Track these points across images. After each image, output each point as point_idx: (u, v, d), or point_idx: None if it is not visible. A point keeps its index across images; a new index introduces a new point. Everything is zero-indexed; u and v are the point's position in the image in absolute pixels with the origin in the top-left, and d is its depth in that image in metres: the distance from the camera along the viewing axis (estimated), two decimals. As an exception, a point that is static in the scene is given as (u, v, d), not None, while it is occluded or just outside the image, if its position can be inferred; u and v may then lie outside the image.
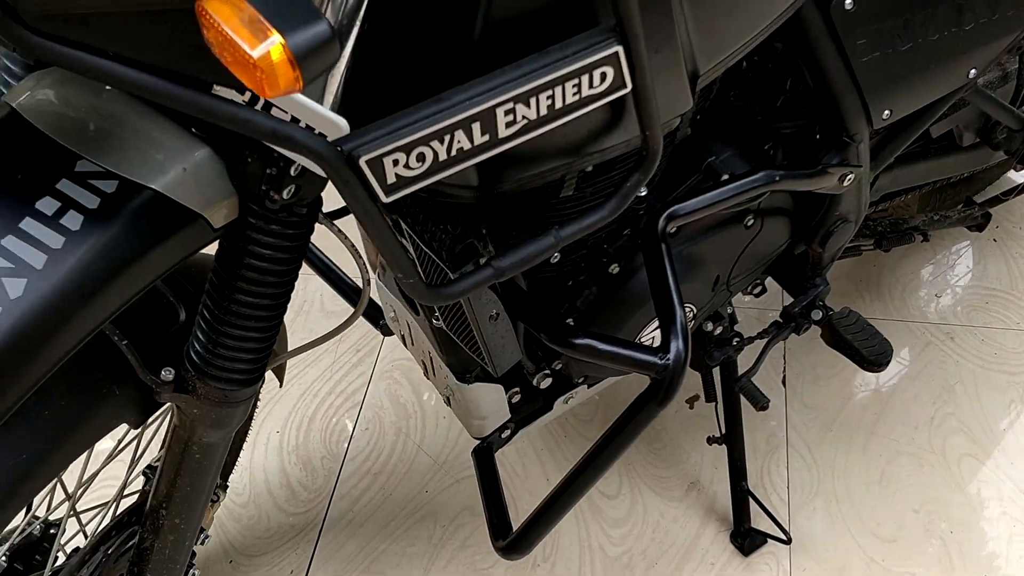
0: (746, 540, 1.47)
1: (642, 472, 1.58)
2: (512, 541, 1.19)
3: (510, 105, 0.75)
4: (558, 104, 0.77)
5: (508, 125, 0.76)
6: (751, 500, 1.47)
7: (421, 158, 0.73)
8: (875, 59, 1.12)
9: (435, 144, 0.73)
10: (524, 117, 0.76)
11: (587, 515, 1.54)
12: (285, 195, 0.80)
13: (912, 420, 1.62)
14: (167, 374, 0.89)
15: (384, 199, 0.73)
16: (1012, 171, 1.72)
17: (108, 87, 0.79)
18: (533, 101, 0.76)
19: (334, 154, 0.69)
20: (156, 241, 0.76)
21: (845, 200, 1.27)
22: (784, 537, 1.45)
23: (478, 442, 1.31)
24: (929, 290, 1.80)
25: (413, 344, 1.35)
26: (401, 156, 0.72)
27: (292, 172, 0.79)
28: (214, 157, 0.79)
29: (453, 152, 0.75)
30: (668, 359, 0.96)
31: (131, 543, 1.13)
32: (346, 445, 1.65)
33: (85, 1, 0.63)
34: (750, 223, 1.21)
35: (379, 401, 1.70)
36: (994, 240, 1.87)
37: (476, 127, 0.74)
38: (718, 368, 1.43)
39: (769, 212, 1.23)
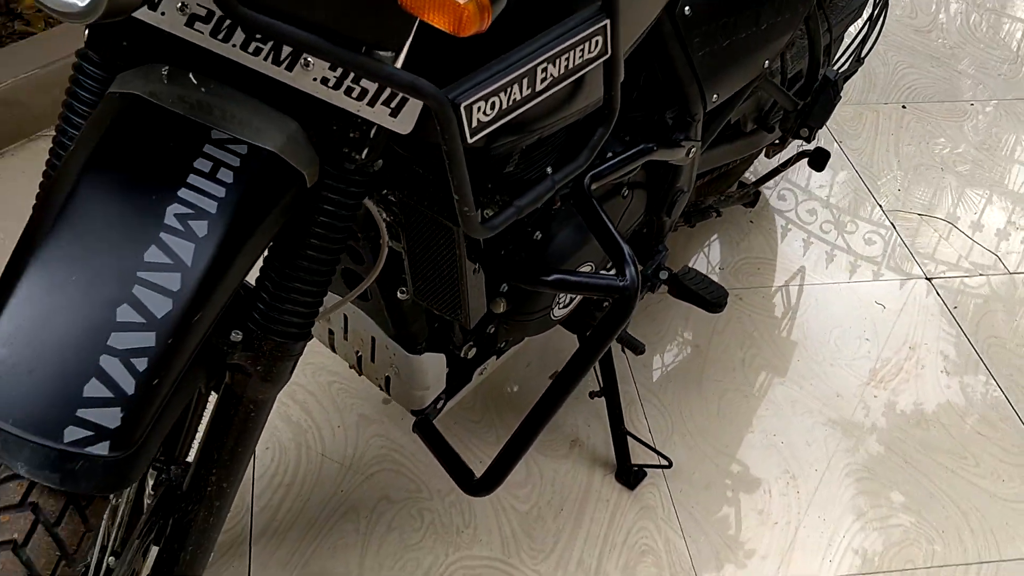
0: (631, 476, 1.73)
1: (528, 440, 1.80)
2: (481, 480, 1.37)
3: (545, 65, 0.98)
4: (570, 65, 1.02)
5: (542, 81, 0.99)
6: (630, 440, 1.73)
7: (492, 107, 0.95)
8: (706, 53, 1.45)
9: (501, 95, 0.95)
10: (551, 75, 1.00)
11: (492, 483, 1.73)
12: (363, 155, 0.97)
13: (729, 364, 1.96)
14: (236, 335, 1.02)
15: (469, 140, 0.94)
16: (764, 157, 2.14)
17: (196, 78, 0.94)
18: (557, 62, 1.00)
19: (444, 100, 0.89)
20: (279, 195, 0.91)
21: (683, 174, 1.59)
22: (666, 462, 1.73)
23: (410, 428, 1.48)
24: (712, 264, 2.19)
25: (347, 338, 1.50)
26: (482, 104, 0.94)
27: (372, 135, 0.97)
28: (300, 128, 0.95)
29: (509, 102, 0.97)
30: (626, 281, 1.21)
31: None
32: (251, 467, 1.74)
33: None
34: (625, 194, 1.50)
35: (271, 423, 1.81)
36: (751, 222, 2.30)
37: (524, 83, 0.97)
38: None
39: (635, 185, 1.52)
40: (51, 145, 1.00)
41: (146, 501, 1.18)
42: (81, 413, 0.75)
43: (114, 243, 0.80)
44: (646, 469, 1.75)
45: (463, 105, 0.91)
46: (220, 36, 0.92)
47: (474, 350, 1.47)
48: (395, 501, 1.70)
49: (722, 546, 1.68)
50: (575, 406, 1.82)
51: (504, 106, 0.96)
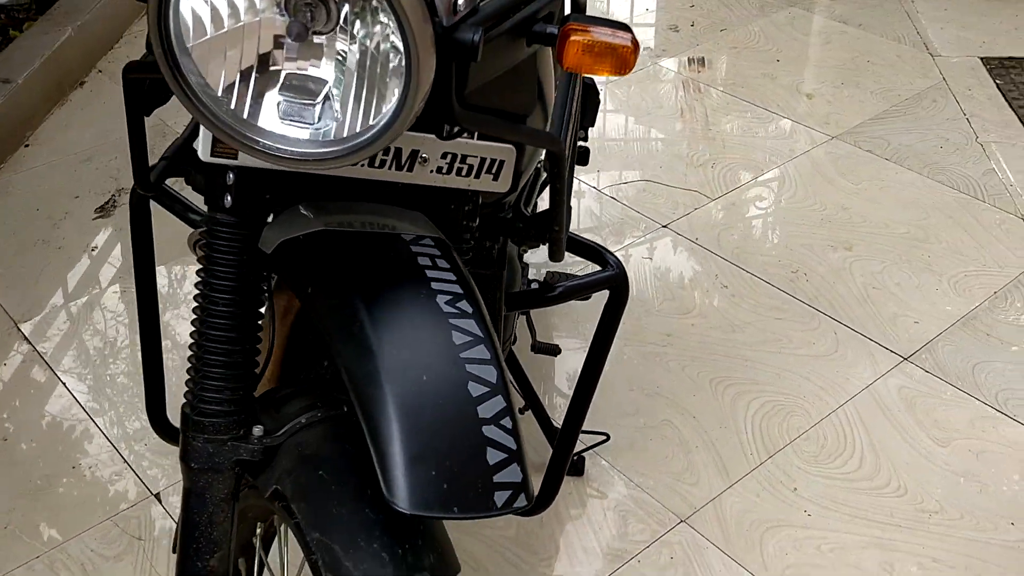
0: (577, 465, 1.94)
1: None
2: (538, 499, 1.52)
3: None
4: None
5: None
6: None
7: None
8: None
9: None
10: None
11: (474, 526, 1.86)
12: (476, 223, 1.12)
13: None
14: None
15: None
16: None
17: (336, 205, 1.04)
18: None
19: (559, 141, 1.07)
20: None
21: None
22: (604, 435, 1.96)
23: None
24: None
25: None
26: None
27: (479, 204, 1.12)
28: (425, 216, 1.08)
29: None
30: (614, 269, 1.44)
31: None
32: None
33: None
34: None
35: None
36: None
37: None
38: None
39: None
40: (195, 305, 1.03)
41: None
42: (496, 479, 0.84)
43: (425, 343, 0.88)
44: (586, 453, 1.96)
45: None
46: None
47: None
48: None
49: (674, 481, 1.94)
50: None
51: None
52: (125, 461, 2.00)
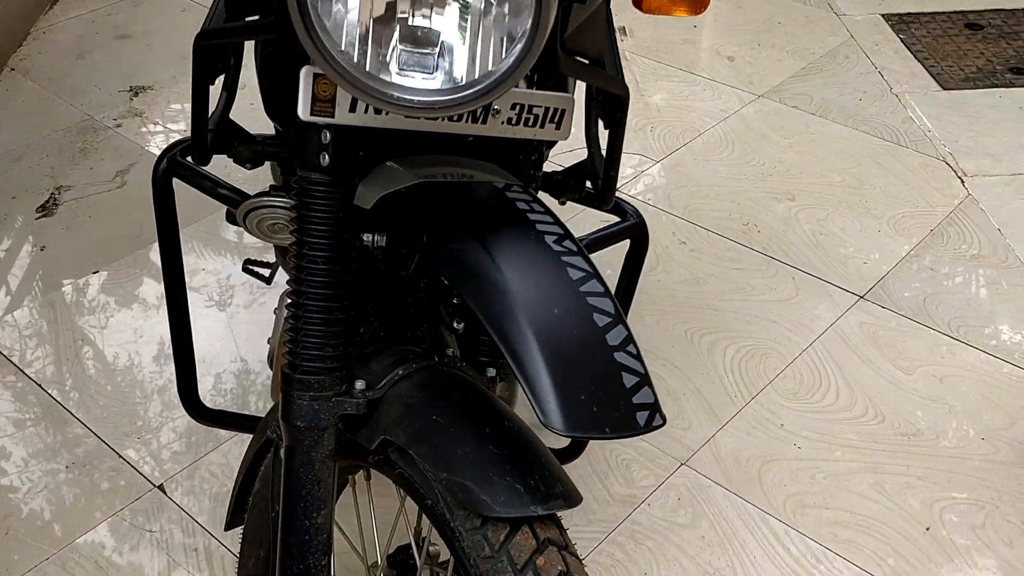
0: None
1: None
2: (568, 450, 1.57)
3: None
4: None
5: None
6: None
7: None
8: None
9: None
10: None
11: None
12: (540, 172, 1.16)
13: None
14: None
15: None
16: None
17: (422, 159, 1.07)
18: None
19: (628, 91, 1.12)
20: None
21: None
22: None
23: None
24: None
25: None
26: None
27: (544, 153, 1.15)
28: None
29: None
30: (634, 218, 1.49)
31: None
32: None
33: None
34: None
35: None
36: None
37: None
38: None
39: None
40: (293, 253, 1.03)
41: None
42: (634, 400, 0.88)
43: (547, 280, 0.92)
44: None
45: (624, 92, 1.14)
46: (432, 117, 1.05)
47: None
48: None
49: (669, 428, 2.02)
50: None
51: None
52: (120, 456, 1.96)
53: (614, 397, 0.88)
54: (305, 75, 0.96)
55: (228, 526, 1.39)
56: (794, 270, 2.42)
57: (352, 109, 0.98)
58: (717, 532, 1.84)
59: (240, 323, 2.26)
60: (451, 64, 0.90)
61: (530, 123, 1.10)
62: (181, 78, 3.14)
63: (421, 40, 0.89)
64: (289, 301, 1.05)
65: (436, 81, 0.90)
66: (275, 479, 1.16)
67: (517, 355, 0.88)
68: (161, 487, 1.90)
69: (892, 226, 2.56)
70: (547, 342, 0.89)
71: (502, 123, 1.09)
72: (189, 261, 2.41)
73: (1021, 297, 2.34)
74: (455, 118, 1.06)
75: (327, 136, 1.00)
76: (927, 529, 1.85)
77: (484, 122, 1.07)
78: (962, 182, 2.70)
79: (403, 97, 0.89)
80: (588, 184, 1.32)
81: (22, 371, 2.14)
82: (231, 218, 1.31)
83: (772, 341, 2.22)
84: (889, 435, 2.02)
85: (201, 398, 1.51)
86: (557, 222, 1.00)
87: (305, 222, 1.03)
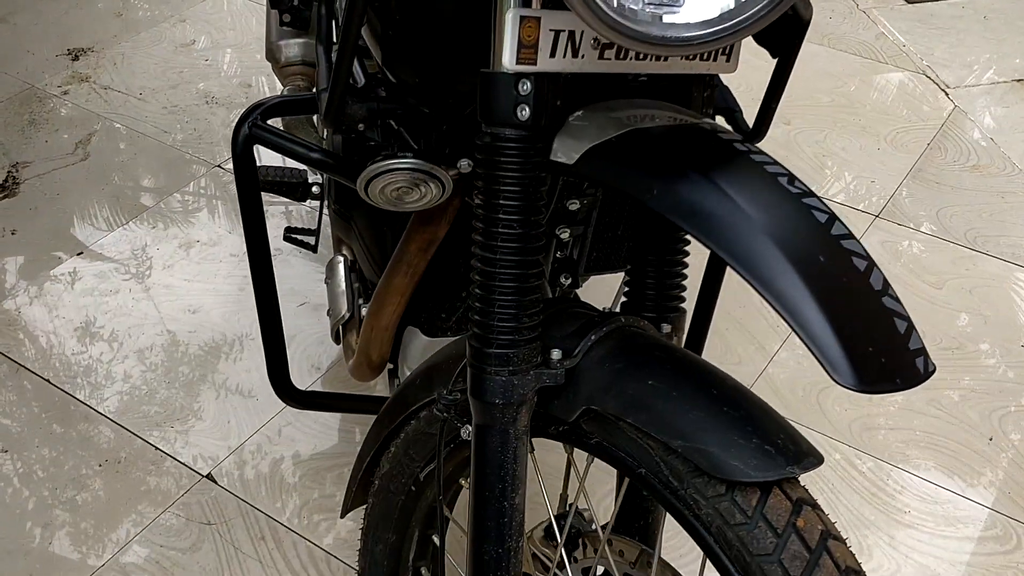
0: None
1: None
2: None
3: None
4: None
5: None
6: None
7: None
8: None
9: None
10: None
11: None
12: (712, 108, 1.09)
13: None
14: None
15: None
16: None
17: (612, 104, 0.98)
18: None
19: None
20: None
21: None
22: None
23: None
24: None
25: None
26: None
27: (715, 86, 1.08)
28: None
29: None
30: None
31: None
32: None
33: None
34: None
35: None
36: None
37: None
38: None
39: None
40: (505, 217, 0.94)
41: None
42: (910, 346, 0.83)
43: (798, 225, 0.85)
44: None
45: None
46: (621, 56, 0.96)
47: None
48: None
49: (720, 364, 1.98)
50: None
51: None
52: (158, 449, 1.82)
53: (895, 346, 0.82)
54: (512, 19, 0.86)
55: (346, 510, 1.30)
56: (805, 194, 2.40)
57: (552, 54, 0.89)
58: (791, 464, 1.82)
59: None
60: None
61: (703, 56, 1.02)
62: (123, 36, 2.92)
63: (666, -28, 0.80)
64: (477, 269, 0.95)
65: (690, 14, 0.81)
66: (440, 461, 1.08)
67: (796, 312, 0.81)
68: (210, 476, 1.78)
69: (890, 142, 2.56)
70: (821, 295, 0.82)
71: (681, 59, 1.00)
72: (211, 228, 2.25)
73: (1026, 204, 2.38)
74: (641, 58, 0.97)
75: (527, 86, 0.90)
76: (990, 440, 1.87)
77: (666, 60, 0.99)
78: (946, 94, 2.72)
79: (664, 36, 0.80)
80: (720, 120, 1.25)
81: (24, 367, 1.97)
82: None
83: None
84: (934, 351, 2.02)
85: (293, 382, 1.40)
86: (778, 163, 0.93)
87: (493, 183, 0.93)
